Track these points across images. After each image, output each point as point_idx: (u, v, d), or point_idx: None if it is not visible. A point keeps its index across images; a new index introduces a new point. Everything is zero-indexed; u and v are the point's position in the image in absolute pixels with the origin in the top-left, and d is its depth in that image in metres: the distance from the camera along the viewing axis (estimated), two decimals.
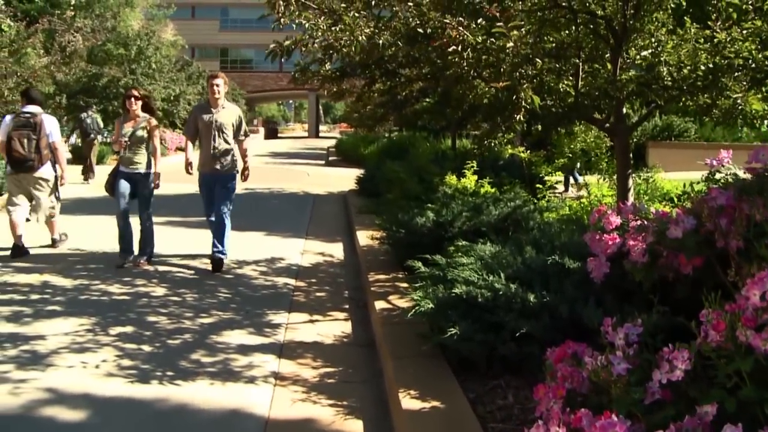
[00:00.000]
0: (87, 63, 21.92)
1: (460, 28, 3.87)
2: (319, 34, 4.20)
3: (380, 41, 4.23)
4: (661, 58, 4.21)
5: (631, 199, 4.63)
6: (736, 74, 4.07)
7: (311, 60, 7.00)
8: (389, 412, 3.31)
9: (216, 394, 3.52)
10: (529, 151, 8.61)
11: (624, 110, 4.74)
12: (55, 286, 5.63)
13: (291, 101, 79.69)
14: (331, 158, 25.13)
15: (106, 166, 13.91)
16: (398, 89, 6.12)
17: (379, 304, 4.76)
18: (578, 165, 9.05)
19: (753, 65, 4.01)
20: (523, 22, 4.04)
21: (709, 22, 4.20)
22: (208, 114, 6.50)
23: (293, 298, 5.50)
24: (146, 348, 4.18)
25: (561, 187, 11.10)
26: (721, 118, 4.35)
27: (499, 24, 3.77)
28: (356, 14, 4.36)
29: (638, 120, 5.27)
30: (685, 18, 4.41)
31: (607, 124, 4.81)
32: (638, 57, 4.47)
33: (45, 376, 3.68)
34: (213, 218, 6.47)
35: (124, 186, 6.55)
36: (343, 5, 4.52)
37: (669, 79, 4.18)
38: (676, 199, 6.25)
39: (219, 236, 6.43)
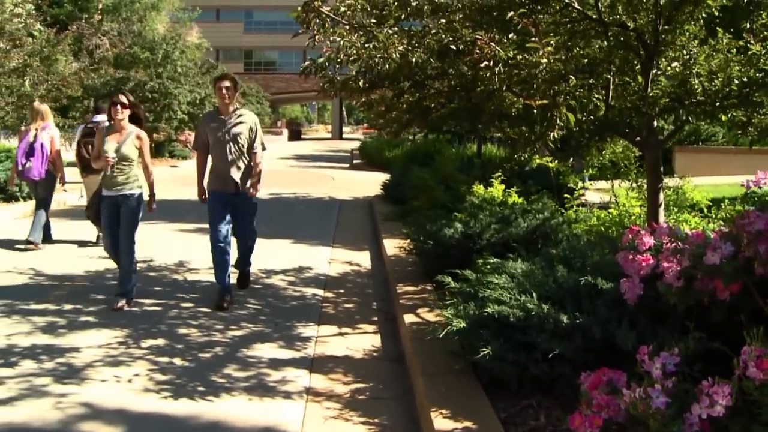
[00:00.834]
0: (114, 68, 22.21)
1: (492, 44, 3.86)
2: (354, 51, 4.19)
3: (413, 59, 4.22)
4: (693, 71, 4.16)
5: (661, 213, 4.58)
6: None
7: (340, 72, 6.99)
8: (421, 431, 3.32)
9: (249, 410, 3.55)
10: (557, 161, 8.53)
11: (655, 123, 4.69)
12: (87, 297, 5.72)
13: (314, 102, 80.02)
14: (355, 161, 25.19)
15: None
16: (427, 101, 6.08)
17: (408, 318, 4.77)
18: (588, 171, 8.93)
19: None
20: (556, 37, 4.01)
21: (744, 34, 4.13)
22: (219, 123, 5.60)
23: (322, 310, 5.53)
24: (178, 362, 4.23)
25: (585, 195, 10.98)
26: (756, 136, 4.25)
27: (533, 39, 3.76)
28: (389, 31, 4.35)
29: (670, 133, 5.21)
30: (717, 28, 4.34)
31: (638, 138, 4.77)
32: (669, 68, 4.42)
33: (82, 390, 3.75)
34: (238, 237, 5.87)
35: (111, 216, 5.55)
36: (373, 20, 4.52)
37: (700, 92, 4.12)
38: (705, 210, 6.17)
39: (246, 254, 6.03)
